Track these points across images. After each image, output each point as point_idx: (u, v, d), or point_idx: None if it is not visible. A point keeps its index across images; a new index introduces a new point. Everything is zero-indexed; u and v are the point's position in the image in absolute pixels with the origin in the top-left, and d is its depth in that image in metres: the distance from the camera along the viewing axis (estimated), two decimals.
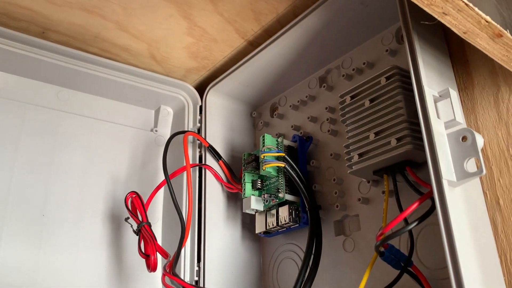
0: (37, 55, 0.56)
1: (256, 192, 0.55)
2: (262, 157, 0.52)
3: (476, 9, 0.30)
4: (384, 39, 0.50)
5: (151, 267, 0.52)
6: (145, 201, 0.55)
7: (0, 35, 0.53)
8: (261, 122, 0.65)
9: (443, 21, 0.31)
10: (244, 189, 0.55)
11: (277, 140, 0.54)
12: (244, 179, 0.56)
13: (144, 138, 0.66)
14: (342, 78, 0.54)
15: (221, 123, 0.65)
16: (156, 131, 0.67)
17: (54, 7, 0.52)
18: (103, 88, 0.62)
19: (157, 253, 0.53)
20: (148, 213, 0.56)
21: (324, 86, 0.56)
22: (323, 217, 0.51)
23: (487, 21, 0.31)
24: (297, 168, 0.51)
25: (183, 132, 0.59)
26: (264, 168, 0.51)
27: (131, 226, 0.55)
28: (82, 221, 0.57)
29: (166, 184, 0.55)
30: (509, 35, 0.32)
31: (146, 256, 0.53)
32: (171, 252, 0.52)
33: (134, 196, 0.55)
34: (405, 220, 0.38)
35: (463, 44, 0.44)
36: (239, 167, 0.60)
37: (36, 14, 0.54)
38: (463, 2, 0.29)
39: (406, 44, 0.38)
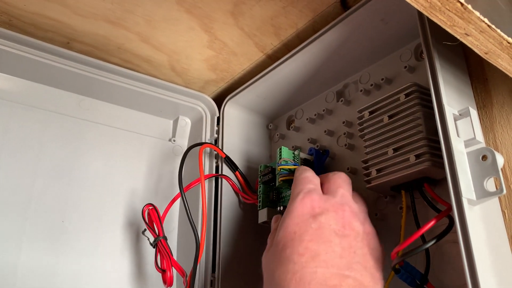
0: (61, 64, 0.57)
1: (273, 205, 0.55)
2: (279, 169, 0.52)
3: (499, 30, 0.30)
4: (402, 56, 0.51)
5: (167, 282, 0.53)
6: (161, 213, 0.56)
7: (26, 45, 0.55)
8: (277, 134, 0.66)
9: (465, 42, 0.32)
10: (259, 201, 0.56)
11: (293, 153, 0.54)
12: (260, 191, 0.56)
13: (162, 148, 0.67)
14: (360, 93, 0.54)
15: (238, 134, 0.65)
16: (174, 141, 0.68)
17: (80, 18, 0.54)
18: (123, 97, 0.64)
19: (173, 268, 0.53)
20: (164, 220, 0.57)
21: (341, 101, 0.57)
22: None
23: (509, 42, 0.31)
24: None
25: (200, 144, 0.60)
26: (280, 181, 0.52)
27: (148, 239, 0.56)
28: (101, 228, 0.58)
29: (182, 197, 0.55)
30: None
31: (162, 271, 0.53)
32: (186, 266, 0.53)
33: (150, 208, 0.55)
34: (422, 237, 0.39)
35: (482, 62, 0.44)
36: (254, 178, 0.60)
37: (62, 25, 0.55)
38: (486, 23, 0.30)
39: (427, 62, 0.39)
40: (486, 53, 0.33)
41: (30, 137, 0.57)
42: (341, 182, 0.43)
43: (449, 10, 0.29)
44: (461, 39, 0.32)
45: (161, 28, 0.55)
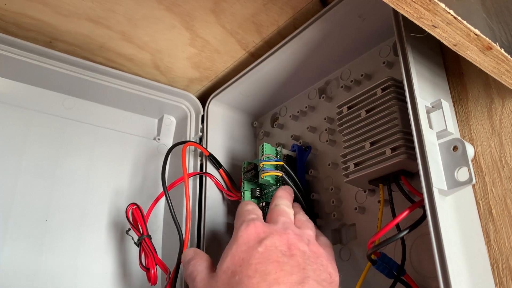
0: (44, 64, 0.57)
1: (255, 201, 0.56)
2: (261, 165, 0.53)
3: (465, 22, 0.31)
4: (381, 51, 0.51)
5: (152, 280, 0.53)
6: (145, 213, 0.56)
7: (9, 44, 0.55)
8: (262, 132, 0.66)
9: (433, 34, 0.32)
10: (243, 197, 0.56)
11: (276, 149, 0.55)
12: (243, 187, 0.56)
13: (147, 146, 0.67)
14: (341, 89, 0.55)
15: (222, 132, 0.66)
16: (158, 139, 0.68)
17: (61, 17, 0.54)
18: (107, 96, 0.64)
19: (157, 266, 0.53)
20: (149, 219, 0.57)
21: (323, 97, 0.57)
22: (320, 225, 0.52)
23: (476, 34, 0.32)
24: (295, 177, 0.52)
25: (183, 142, 0.60)
26: (262, 177, 0.52)
27: (132, 238, 0.56)
28: (84, 227, 0.58)
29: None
30: (498, 48, 0.33)
31: (146, 269, 0.54)
32: (171, 264, 0.53)
33: (134, 207, 0.55)
34: (398, 228, 0.39)
35: (458, 57, 0.44)
36: (239, 175, 0.61)
37: (44, 24, 0.55)
38: (452, 15, 0.30)
39: (400, 55, 0.39)
40: (455, 45, 0.33)
41: (13, 136, 0.57)
42: (282, 211, 0.44)
43: (415, 2, 0.29)
44: (429, 31, 0.32)
45: (143, 26, 0.56)
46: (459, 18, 0.30)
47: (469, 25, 0.31)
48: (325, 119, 0.55)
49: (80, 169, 0.61)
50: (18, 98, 0.59)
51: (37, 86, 0.61)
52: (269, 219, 0.44)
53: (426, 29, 0.32)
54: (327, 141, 0.54)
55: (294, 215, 0.46)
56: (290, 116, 0.61)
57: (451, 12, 0.30)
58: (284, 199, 0.47)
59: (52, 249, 0.55)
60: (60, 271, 0.55)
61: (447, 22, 0.31)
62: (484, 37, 0.32)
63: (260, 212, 0.45)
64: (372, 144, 0.43)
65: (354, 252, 0.48)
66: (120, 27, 0.56)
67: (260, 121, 0.68)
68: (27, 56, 0.57)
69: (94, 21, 0.55)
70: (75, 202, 0.59)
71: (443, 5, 0.29)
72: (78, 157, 0.61)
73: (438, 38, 0.33)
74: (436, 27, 0.31)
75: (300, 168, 0.55)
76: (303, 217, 0.46)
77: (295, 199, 0.52)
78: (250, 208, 0.45)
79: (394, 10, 0.40)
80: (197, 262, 0.43)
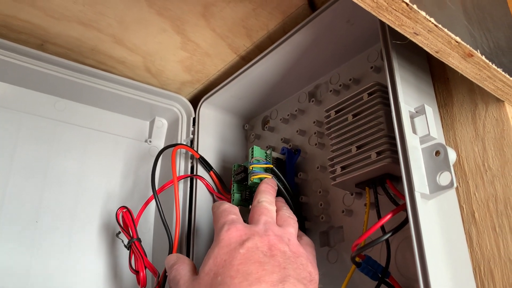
0: (36, 66, 0.58)
1: (245, 203, 0.56)
2: (251, 168, 0.53)
3: (446, 30, 0.31)
4: (370, 56, 0.52)
5: (141, 283, 0.53)
6: (135, 216, 0.56)
7: (0, 47, 0.55)
8: (253, 135, 0.67)
9: (415, 41, 0.33)
10: (233, 200, 0.56)
11: (266, 152, 0.55)
12: (233, 190, 0.57)
13: (138, 149, 0.68)
14: (330, 93, 0.55)
15: (213, 135, 0.66)
16: (150, 142, 0.69)
17: (52, 20, 0.54)
18: (99, 99, 0.64)
19: (147, 269, 0.54)
20: (140, 222, 0.57)
21: (312, 101, 0.58)
22: (308, 228, 0.52)
23: (457, 42, 0.32)
24: (284, 180, 0.53)
25: (173, 145, 0.61)
26: (251, 179, 0.53)
27: (122, 241, 0.56)
28: (75, 228, 0.59)
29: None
30: (479, 55, 0.34)
31: (136, 272, 0.54)
32: (162, 266, 0.53)
33: (124, 210, 0.56)
34: (383, 231, 0.40)
35: (443, 62, 0.45)
36: (230, 178, 0.61)
37: (35, 27, 0.56)
38: (433, 23, 0.31)
39: (385, 61, 0.40)
40: (437, 52, 0.34)
41: (4, 138, 0.57)
42: (263, 210, 0.45)
43: (395, 10, 0.30)
44: (411, 38, 0.33)
45: (134, 29, 0.56)
46: (440, 26, 0.31)
47: (449, 33, 0.32)
48: (314, 122, 0.56)
49: (71, 171, 0.61)
50: (9, 100, 0.59)
51: (29, 88, 0.61)
52: (251, 218, 0.45)
53: (408, 36, 0.33)
54: (316, 144, 0.55)
55: (277, 211, 0.46)
56: (281, 119, 0.62)
57: (432, 20, 0.31)
58: (266, 195, 0.47)
59: (42, 251, 0.55)
60: (50, 272, 0.55)
61: (428, 30, 0.31)
62: (465, 44, 0.33)
63: (236, 210, 0.45)
64: (358, 148, 0.43)
65: (342, 254, 0.49)
66: (111, 30, 0.56)
67: (251, 123, 0.69)
68: (19, 59, 0.57)
69: (85, 24, 0.55)
70: (66, 203, 0.59)
71: (423, 13, 0.30)
72: (69, 159, 0.61)
73: (420, 45, 0.33)
74: (417, 35, 0.32)
75: (290, 171, 0.55)
76: (286, 212, 0.46)
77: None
78: (226, 207, 0.45)
79: None
80: (180, 266, 0.44)
